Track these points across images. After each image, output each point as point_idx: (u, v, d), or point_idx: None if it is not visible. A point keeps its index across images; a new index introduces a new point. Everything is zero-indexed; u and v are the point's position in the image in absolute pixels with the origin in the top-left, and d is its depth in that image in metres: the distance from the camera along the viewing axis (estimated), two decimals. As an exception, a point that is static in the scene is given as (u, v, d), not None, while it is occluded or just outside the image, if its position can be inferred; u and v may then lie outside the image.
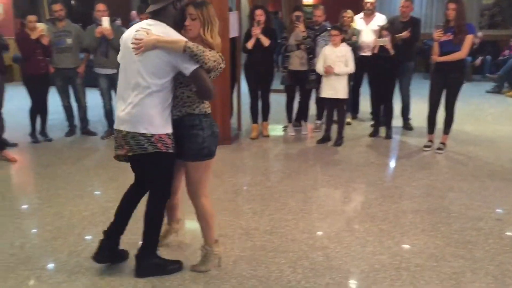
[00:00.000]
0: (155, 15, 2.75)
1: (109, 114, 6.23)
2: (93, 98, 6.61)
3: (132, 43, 2.69)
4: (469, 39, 5.12)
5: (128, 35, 2.75)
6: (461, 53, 5.14)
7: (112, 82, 6.03)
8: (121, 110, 2.79)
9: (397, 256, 3.21)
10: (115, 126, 2.85)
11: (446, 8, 5.19)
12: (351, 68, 5.67)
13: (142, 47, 2.63)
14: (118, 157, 2.94)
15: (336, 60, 5.60)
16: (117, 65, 6.04)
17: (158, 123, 2.72)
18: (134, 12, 9.15)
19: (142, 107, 2.69)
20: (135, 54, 2.67)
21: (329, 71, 5.58)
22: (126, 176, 4.76)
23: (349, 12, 6.43)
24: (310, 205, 4.09)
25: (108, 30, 5.64)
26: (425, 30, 11.02)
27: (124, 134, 2.77)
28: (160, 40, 2.62)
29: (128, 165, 5.19)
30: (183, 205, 3.40)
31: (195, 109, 2.81)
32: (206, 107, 2.86)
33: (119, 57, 2.81)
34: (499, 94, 9.30)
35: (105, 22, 5.64)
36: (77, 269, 3.07)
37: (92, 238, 3.50)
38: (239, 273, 3.02)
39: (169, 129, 2.78)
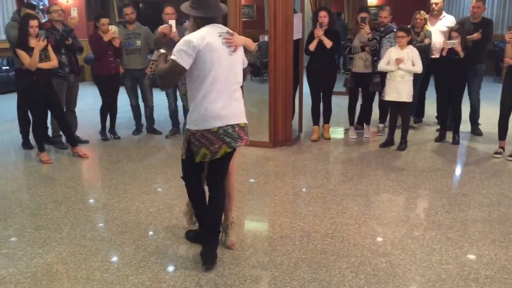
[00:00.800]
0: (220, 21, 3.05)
1: (174, 113, 6.42)
2: (159, 99, 6.83)
3: (228, 42, 2.93)
4: (546, 41, 4.85)
5: (214, 39, 2.87)
6: (537, 56, 4.87)
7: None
8: (228, 106, 2.95)
9: (465, 267, 3.09)
10: (229, 122, 2.97)
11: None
12: (419, 67, 5.51)
13: (237, 45, 2.98)
14: (205, 157, 3.01)
15: (402, 67, 5.47)
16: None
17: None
18: None
19: (241, 100, 3.07)
20: (233, 51, 2.96)
21: (398, 62, 5.45)
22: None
23: (423, 14, 6.23)
24: (372, 210, 4.02)
25: (174, 33, 5.79)
26: (496, 31, 10.51)
27: (243, 126, 3.06)
28: (244, 39, 3.13)
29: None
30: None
31: None
32: None
33: (208, 61, 2.85)
34: None
35: (172, 24, 5.79)
36: (143, 263, 3.18)
37: (157, 234, 3.62)
38: (300, 275, 3.01)
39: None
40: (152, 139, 6.43)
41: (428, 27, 6.30)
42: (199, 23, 2.93)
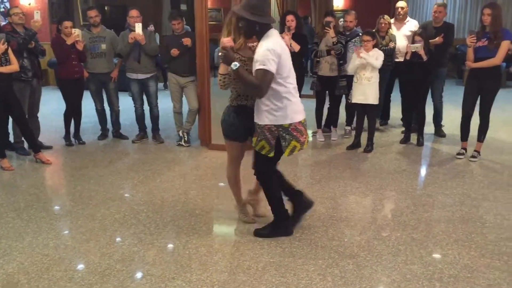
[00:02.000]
0: None
1: (140, 118, 6.34)
2: (125, 103, 6.73)
3: (287, 44, 3.31)
4: (504, 45, 4.99)
5: (283, 43, 3.24)
6: (496, 60, 5.02)
7: (143, 86, 6.13)
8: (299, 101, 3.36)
9: (430, 266, 3.15)
10: (304, 116, 3.38)
11: (481, 14, 5.09)
12: (379, 62, 5.57)
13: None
14: (294, 149, 3.35)
15: (366, 64, 5.56)
16: (149, 70, 6.18)
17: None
18: None
19: None
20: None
21: (358, 53, 5.55)
22: (156, 180, 4.86)
23: (387, 18, 6.34)
24: (340, 212, 4.05)
25: (141, 36, 5.74)
26: (458, 35, 10.82)
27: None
28: None
29: (157, 168, 5.28)
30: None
31: None
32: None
33: (286, 64, 3.20)
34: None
35: (138, 28, 5.74)
36: (108, 271, 3.11)
37: (123, 241, 3.55)
38: (268, 279, 3.01)
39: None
40: (118, 144, 6.33)
41: (393, 31, 6.43)
42: (261, 30, 3.16)
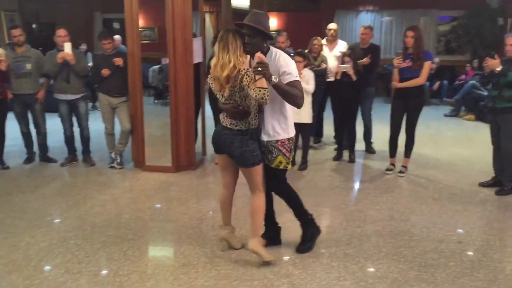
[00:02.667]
0: None
1: (69, 140, 6.09)
2: (53, 124, 6.46)
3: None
4: (427, 66, 5.29)
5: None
6: (420, 79, 5.30)
7: (73, 107, 5.92)
8: None
9: (361, 282, 3.22)
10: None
11: (404, 36, 5.37)
12: (311, 87, 5.73)
13: None
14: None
15: None
16: (78, 91, 5.99)
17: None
18: (118, 37, 9.01)
19: None
20: None
21: None
22: (86, 205, 4.68)
23: (319, 40, 6.54)
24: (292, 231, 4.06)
25: (70, 56, 5.56)
26: (385, 55, 11.37)
27: None
28: None
29: (87, 192, 5.09)
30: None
31: None
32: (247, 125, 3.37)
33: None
34: (457, 118, 9.61)
35: (67, 47, 5.56)
36: (32, 305, 2.93)
37: (49, 270, 3.36)
38: (203, 303, 2.95)
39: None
40: (46, 168, 6.03)
41: (324, 52, 6.63)
42: (267, 45, 3.33)
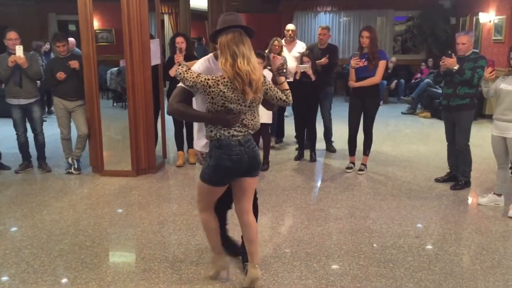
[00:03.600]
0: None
1: (23, 146, 5.88)
2: (5, 129, 6.23)
3: None
4: (382, 65, 5.41)
5: None
6: (375, 79, 5.41)
7: (26, 112, 5.72)
8: None
9: (323, 280, 3.25)
10: None
11: (360, 36, 5.47)
12: None
13: None
14: None
15: None
16: (31, 95, 5.79)
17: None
18: (72, 40, 8.71)
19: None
20: None
21: None
22: (42, 212, 4.53)
23: (279, 41, 6.57)
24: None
25: (22, 59, 5.37)
26: (344, 55, 11.56)
27: None
28: None
29: (43, 200, 4.95)
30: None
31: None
32: (219, 135, 2.89)
33: None
34: (413, 115, 9.86)
35: (19, 50, 5.37)
36: (-15, 319, 2.81)
37: (4, 282, 3.24)
38: (164, 309, 2.91)
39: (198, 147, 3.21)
40: (-1, 175, 5.82)
41: (283, 53, 6.67)
42: None
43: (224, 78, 2.79)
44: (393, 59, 11.60)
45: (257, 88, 2.83)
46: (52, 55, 9.11)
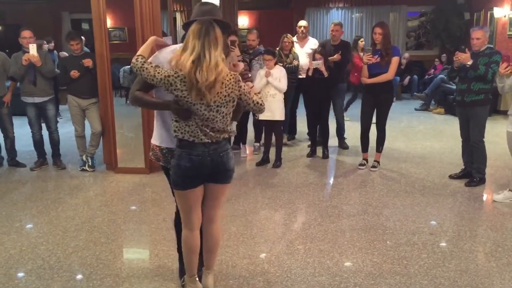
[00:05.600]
0: None
1: (38, 144, 5.95)
2: (21, 128, 6.31)
3: None
4: (395, 61, 5.37)
5: None
6: (388, 75, 5.37)
7: (40, 110, 5.78)
8: None
9: (336, 277, 3.24)
10: None
11: (372, 32, 5.43)
12: (284, 86, 5.76)
13: None
14: None
15: (271, 80, 5.70)
16: (46, 93, 5.85)
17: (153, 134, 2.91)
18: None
19: None
20: None
21: (268, 74, 5.65)
22: (57, 209, 4.58)
23: (290, 37, 6.56)
24: (250, 230, 4.06)
25: (36, 57, 5.43)
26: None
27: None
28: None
29: (58, 197, 5.00)
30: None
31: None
32: (179, 134, 2.63)
33: None
34: (427, 112, 9.78)
35: (32, 49, 5.42)
36: (2, 314, 2.86)
37: (19, 278, 3.28)
38: (179, 305, 2.92)
39: (156, 142, 2.87)
40: (15, 173, 5.88)
41: (295, 49, 6.65)
42: None
43: (179, 74, 2.51)
44: (406, 55, 11.51)
45: (211, 88, 2.49)
46: (55, 53, 9.18)
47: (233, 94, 2.60)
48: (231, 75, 2.59)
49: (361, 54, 7.79)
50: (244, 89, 2.66)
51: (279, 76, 5.72)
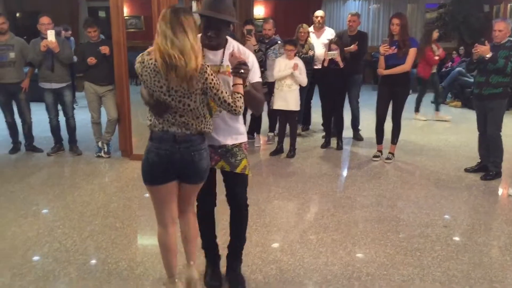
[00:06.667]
0: None
1: (55, 129, 6.03)
2: (39, 113, 6.39)
3: None
4: (412, 53, 5.31)
5: None
6: (405, 66, 5.32)
7: (58, 96, 5.85)
8: None
9: (349, 266, 3.25)
10: None
11: (390, 23, 5.38)
12: (305, 78, 5.76)
13: None
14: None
15: (296, 74, 5.68)
16: (63, 79, 5.90)
17: None
18: None
19: None
20: None
21: (295, 67, 5.63)
22: (74, 194, 4.65)
23: (305, 27, 6.52)
24: (263, 218, 4.08)
25: (54, 44, 5.48)
26: (373, 43, 11.40)
27: None
28: None
29: (74, 182, 5.06)
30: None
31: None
32: (152, 125, 2.58)
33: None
34: (443, 104, 9.67)
35: (50, 35, 5.48)
36: (20, 294, 2.92)
37: (37, 260, 3.35)
38: (192, 290, 2.95)
39: None
40: (32, 158, 5.97)
41: (311, 39, 6.62)
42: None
43: (151, 60, 2.41)
44: (441, 51, 11.34)
45: (183, 76, 2.34)
46: (72, 40, 9.24)
47: (196, 85, 2.41)
48: (205, 66, 2.42)
49: (434, 47, 7.73)
50: (211, 83, 2.42)
51: (300, 67, 5.71)
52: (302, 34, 6.48)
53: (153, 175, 2.57)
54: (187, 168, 2.55)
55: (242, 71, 2.50)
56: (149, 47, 2.49)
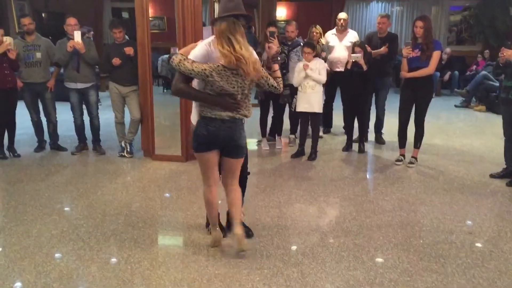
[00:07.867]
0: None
1: (80, 129, 6.13)
2: (64, 113, 6.49)
3: None
4: (436, 56, 5.24)
5: None
6: (429, 69, 5.25)
7: (83, 96, 5.94)
8: None
9: (371, 271, 3.22)
10: None
11: (414, 26, 5.32)
12: (324, 78, 5.72)
13: None
14: None
15: (310, 73, 5.67)
16: (88, 79, 6.00)
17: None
18: None
19: None
20: None
21: (306, 67, 5.63)
22: (97, 193, 4.71)
23: (318, 28, 6.51)
24: (284, 221, 4.07)
25: (80, 44, 5.57)
26: (396, 46, 11.28)
27: None
28: None
29: (98, 181, 5.14)
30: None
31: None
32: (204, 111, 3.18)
33: None
34: (468, 109, 9.54)
35: (77, 36, 5.57)
36: (45, 291, 2.97)
37: (61, 257, 3.40)
38: (213, 291, 2.97)
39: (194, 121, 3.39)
40: (56, 156, 6.07)
41: (323, 40, 6.59)
42: None
43: (218, 66, 3.03)
44: (448, 50, 11.22)
45: (258, 69, 3.09)
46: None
47: (261, 70, 3.17)
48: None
49: None
50: (263, 74, 3.22)
51: (318, 68, 5.69)
52: (314, 34, 6.47)
53: (201, 144, 3.21)
54: (228, 143, 3.21)
55: (279, 58, 3.22)
56: (172, 48, 3.05)
